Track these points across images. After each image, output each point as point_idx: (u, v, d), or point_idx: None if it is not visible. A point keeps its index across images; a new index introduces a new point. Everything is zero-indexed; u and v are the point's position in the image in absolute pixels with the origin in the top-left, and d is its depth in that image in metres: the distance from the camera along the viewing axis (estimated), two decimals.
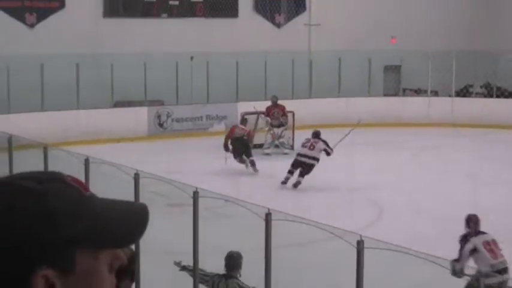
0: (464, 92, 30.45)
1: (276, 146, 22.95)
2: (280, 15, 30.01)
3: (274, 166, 20.49)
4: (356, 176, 19.20)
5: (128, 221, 1.51)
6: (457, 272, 9.45)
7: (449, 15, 32.10)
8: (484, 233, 10.69)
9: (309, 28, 30.22)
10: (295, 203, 15.79)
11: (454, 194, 17.27)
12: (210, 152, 22.12)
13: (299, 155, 18.45)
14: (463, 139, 25.26)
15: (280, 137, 23.09)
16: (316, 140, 18.51)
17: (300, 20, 30.17)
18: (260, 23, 29.38)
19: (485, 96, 29.99)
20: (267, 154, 22.47)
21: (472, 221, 10.58)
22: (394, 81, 31.23)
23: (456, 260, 9.98)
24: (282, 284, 10.21)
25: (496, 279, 9.34)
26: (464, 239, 10.51)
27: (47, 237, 1.34)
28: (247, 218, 8.09)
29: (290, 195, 17.10)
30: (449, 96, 29.20)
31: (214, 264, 10.65)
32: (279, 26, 30.02)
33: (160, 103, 25.93)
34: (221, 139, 21.63)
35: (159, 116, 25.19)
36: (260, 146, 22.74)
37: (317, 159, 18.15)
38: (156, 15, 27.58)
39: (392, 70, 31.33)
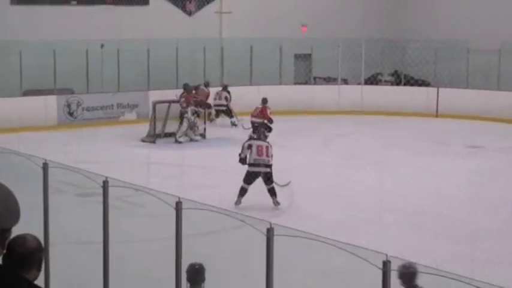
0: (373, 80, 30.91)
1: (186, 135, 22.93)
2: (191, 3, 29.93)
3: (184, 155, 20.50)
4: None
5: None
6: None
7: (359, 4, 32.56)
8: None
9: (220, 16, 30.23)
10: (206, 191, 15.79)
11: (363, 181, 17.54)
12: (121, 141, 21.99)
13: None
14: (371, 126, 25.65)
15: (194, 124, 23.07)
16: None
17: (211, 7, 30.16)
18: (171, 10, 29.24)
19: (393, 84, 30.52)
20: (180, 142, 22.44)
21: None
22: (305, 69, 31.50)
23: None
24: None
25: None
26: None
27: None
28: (158, 206, 8.08)
29: (200, 184, 17.10)
30: (359, 84, 29.61)
31: (122, 253, 10.62)
32: (190, 13, 29.94)
33: (70, 92, 25.59)
34: (132, 128, 21.58)
35: (69, 105, 24.87)
36: (172, 134, 22.69)
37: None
38: (66, 2, 27.19)
39: (303, 58, 31.58)
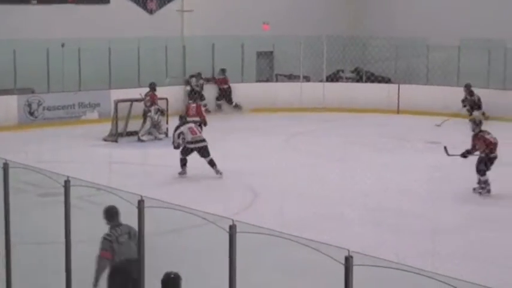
0: (334, 77, 31.03)
1: (150, 133, 22.87)
2: (152, 1, 29.82)
3: (147, 154, 20.46)
4: (230, 161, 19.33)
5: None
6: None
7: (320, 2, 32.67)
8: None
9: (181, 14, 30.16)
10: (169, 189, 15.80)
11: (325, 177, 17.64)
12: (82, 141, 21.88)
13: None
14: (333, 123, 25.76)
15: (158, 123, 23.02)
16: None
17: (172, 6, 30.06)
18: (132, 9, 29.11)
19: (354, 81, 30.69)
20: (142, 141, 22.40)
21: None
22: (267, 66, 31.54)
23: None
24: (157, 271, 10.23)
25: None
26: None
27: None
28: (120, 205, 8.08)
29: (163, 181, 17.08)
30: (321, 81, 29.72)
31: (87, 253, 10.58)
32: (151, 12, 29.83)
33: (31, 91, 25.38)
34: (94, 127, 21.53)
35: (29, 105, 24.67)
36: (134, 133, 22.64)
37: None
38: (26, 1, 26.95)
39: (265, 56, 31.62)
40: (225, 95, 28.43)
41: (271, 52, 31.38)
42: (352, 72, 31.25)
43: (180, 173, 17.60)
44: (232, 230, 6.74)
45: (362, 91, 28.96)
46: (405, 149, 21.35)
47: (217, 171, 17.43)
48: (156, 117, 22.82)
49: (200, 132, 18.06)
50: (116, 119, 22.71)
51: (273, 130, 24.36)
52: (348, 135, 23.49)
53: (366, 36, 30.46)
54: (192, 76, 27.87)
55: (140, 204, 7.68)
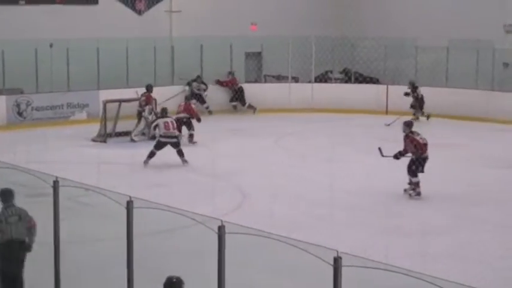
0: (323, 78, 31.06)
1: (143, 134, 22.86)
2: (141, 2, 29.78)
3: (135, 154, 20.42)
4: (219, 162, 19.33)
5: None
6: None
7: (308, 2, 32.70)
8: None
9: (170, 15, 30.13)
10: (158, 190, 15.78)
11: (314, 178, 17.66)
12: (71, 141, 21.84)
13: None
14: (322, 124, 25.77)
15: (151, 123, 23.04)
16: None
17: (161, 6, 30.04)
18: (121, 9, 29.06)
19: (343, 82, 30.72)
20: (134, 141, 22.40)
21: None
22: (255, 67, 31.54)
23: None
24: (145, 271, 10.23)
25: None
26: None
27: None
28: (109, 206, 8.07)
29: (152, 182, 17.06)
30: (309, 82, 29.74)
31: (76, 254, 10.57)
32: (139, 12, 29.80)
33: (20, 91, 25.33)
34: (83, 127, 21.51)
35: (18, 105, 24.62)
36: (123, 133, 22.63)
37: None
38: (14, 1, 26.88)
39: (253, 56, 31.62)
40: (238, 96, 28.53)
41: (260, 53, 31.38)
42: (341, 73, 31.29)
43: (144, 162, 18.92)
44: (221, 231, 6.75)
45: (351, 92, 28.99)
46: (395, 150, 21.32)
47: (184, 161, 19.03)
48: (150, 117, 22.81)
49: (174, 129, 19.41)
50: (104, 119, 22.68)
51: (262, 131, 24.36)
52: (337, 136, 23.50)
53: (354, 36, 30.50)
54: (193, 80, 27.88)
55: (129, 205, 7.69)
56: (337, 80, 31.13)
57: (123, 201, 7.70)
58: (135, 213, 7.78)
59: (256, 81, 31.15)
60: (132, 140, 22.41)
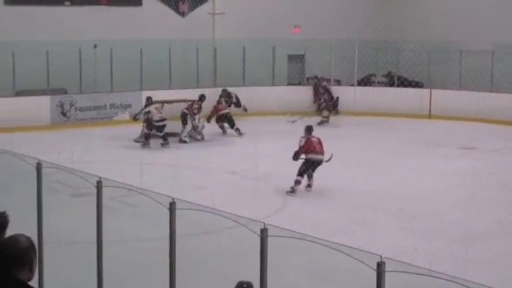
0: (366, 81, 30.94)
1: (190, 136, 22.97)
2: (184, 3, 29.92)
3: (178, 155, 20.50)
4: (261, 164, 19.33)
5: None
6: None
7: (352, 5, 32.60)
8: None
9: (213, 17, 30.22)
10: (200, 191, 15.80)
11: (356, 182, 17.55)
12: (114, 141, 21.97)
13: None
14: (364, 127, 25.65)
15: (197, 126, 23.16)
16: None
17: (204, 8, 30.15)
18: (164, 11, 29.23)
19: (386, 86, 30.56)
20: (185, 142, 22.52)
21: None
22: (298, 70, 31.50)
23: None
24: (187, 273, 10.24)
25: None
26: None
27: None
28: (151, 207, 8.07)
29: (193, 184, 17.09)
30: (352, 85, 29.63)
31: (118, 254, 10.61)
32: (183, 14, 29.93)
33: (64, 92, 25.56)
34: (125, 128, 21.60)
35: (61, 105, 24.84)
36: (169, 135, 22.72)
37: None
38: (59, 3, 27.16)
39: (296, 59, 31.59)
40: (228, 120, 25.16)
41: (303, 55, 31.33)
42: (385, 76, 31.13)
43: (144, 144, 21.45)
44: (263, 234, 6.71)
45: (394, 96, 28.82)
46: (437, 154, 21.21)
47: (166, 143, 21.59)
48: (197, 123, 22.97)
49: (162, 113, 21.92)
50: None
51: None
52: (379, 140, 23.37)
53: (398, 40, 30.33)
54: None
55: (172, 206, 7.68)
56: (380, 84, 30.99)
57: (165, 202, 7.70)
58: (178, 214, 7.78)
59: (299, 83, 31.10)
60: (183, 141, 22.50)
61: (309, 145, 16.78)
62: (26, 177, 9.54)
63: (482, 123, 25.88)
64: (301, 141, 16.91)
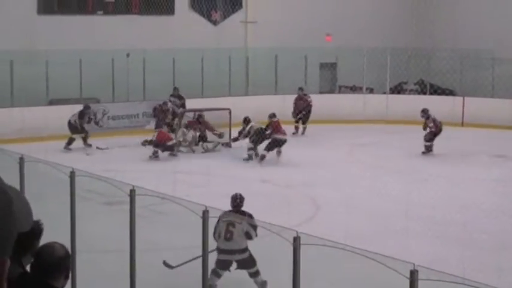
0: (398, 89, 30.85)
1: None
2: (216, 12, 30.02)
3: (209, 164, 20.55)
4: (292, 173, 19.32)
5: None
6: None
7: (384, 13, 32.49)
8: None
9: (245, 25, 30.31)
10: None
11: (389, 190, 17.50)
12: (146, 150, 22.03)
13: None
14: (397, 135, 25.56)
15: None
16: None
17: (237, 17, 30.24)
18: (196, 20, 29.35)
19: (418, 93, 30.43)
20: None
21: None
22: (330, 78, 31.48)
23: None
24: (222, 279, 10.27)
25: None
26: None
27: None
28: (184, 215, 8.11)
29: (226, 192, 17.11)
30: (384, 93, 29.55)
31: (149, 261, 10.65)
32: (215, 23, 30.04)
33: (96, 101, 25.72)
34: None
35: (94, 114, 24.98)
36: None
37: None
38: (91, 12, 27.38)
39: (328, 67, 31.58)
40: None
41: (335, 63, 31.31)
42: (417, 84, 31.02)
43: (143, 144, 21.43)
44: (296, 242, 6.72)
45: (426, 103, 28.56)
46: (470, 162, 21.09)
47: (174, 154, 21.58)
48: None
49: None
50: (179, 129, 22.89)
51: (336, 142, 24.25)
52: (412, 148, 23.27)
53: (430, 48, 30.21)
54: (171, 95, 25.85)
55: (204, 215, 7.72)
56: (412, 92, 30.87)
57: (198, 211, 7.74)
58: (211, 222, 7.82)
59: (331, 91, 31.08)
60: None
61: (275, 127, 21.04)
62: (60, 186, 9.62)
63: None
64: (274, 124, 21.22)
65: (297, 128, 26.00)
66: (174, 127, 23.43)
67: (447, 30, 31.63)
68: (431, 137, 22.40)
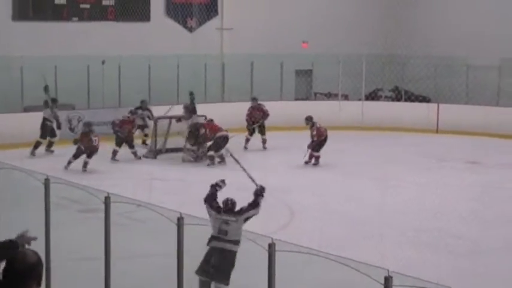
0: (373, 96, 30.98)
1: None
2: (192, 19, 30.01)
3: (186, 171, 20.53)
4: (267, 179, 19.30)
5: None
6: None
7: (359, 21, 32.63)
8: None
9: (221, 32, 30.32)
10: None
11: (363, 197, 17.57)
12: (121, 157, 21.99)
13: None
14: (372, 142, 25.66)
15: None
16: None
17: (212, 24, 30.25)
18: (172, 26, 29.33)
19: (393, 100, 30.59)
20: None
21: None
22: (306, 85, 31.55)
23: None
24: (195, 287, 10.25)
25: None
26: None
27: None
28: (159, 222, 8.11)
29: (201, 199, 17.10)
30: (359, 100, 29.66)
31: (123, 268, 10.62)
32: (191, 29, 30.03)
33: (71, 107, 25.61)
34: (134, 143, 21.74)
35: (69, 120, 24.88)
36: (174, 150, 22.70)
37: None
38: (67, 18, 27.26)
39: (304, 74, 31.65)
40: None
41: (310, 70, 31.39)
42: (392, 91, 31.17)
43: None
44: (271, 249, 6.75)
45: (401, 110, 28.83)
46: (444, 168, 21.21)
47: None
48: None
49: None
50: (155, 135, 22.84)
51: None
52: (387, 154, 23.39)
53: (405, 55, 30.37)
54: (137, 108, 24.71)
55: (179, 221, 7.72)
56: (387, 98, 31.02)
57: (173, 218, 7.74)
58: (185, 229, 7.82)
59: (306, 98, 31.15)
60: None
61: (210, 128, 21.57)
62: (34, 193, 9.59)
63: (489, 138, 25.85)
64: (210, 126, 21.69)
65: (248, 140, 24.30)
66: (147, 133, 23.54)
67: (421, 38, 31.77)
68: (315, 146, 21.69)
